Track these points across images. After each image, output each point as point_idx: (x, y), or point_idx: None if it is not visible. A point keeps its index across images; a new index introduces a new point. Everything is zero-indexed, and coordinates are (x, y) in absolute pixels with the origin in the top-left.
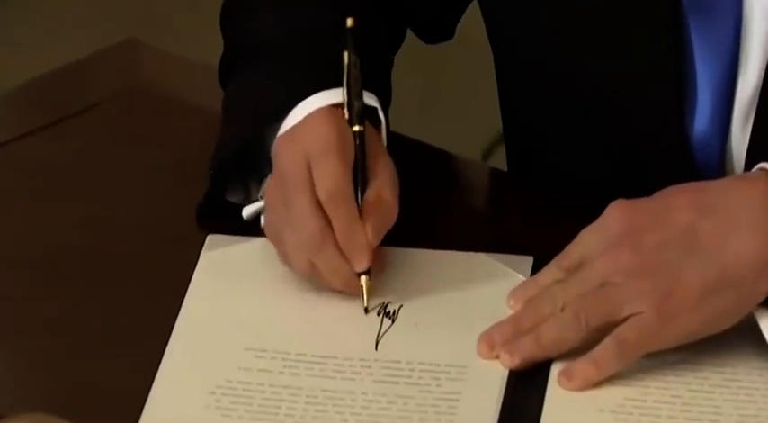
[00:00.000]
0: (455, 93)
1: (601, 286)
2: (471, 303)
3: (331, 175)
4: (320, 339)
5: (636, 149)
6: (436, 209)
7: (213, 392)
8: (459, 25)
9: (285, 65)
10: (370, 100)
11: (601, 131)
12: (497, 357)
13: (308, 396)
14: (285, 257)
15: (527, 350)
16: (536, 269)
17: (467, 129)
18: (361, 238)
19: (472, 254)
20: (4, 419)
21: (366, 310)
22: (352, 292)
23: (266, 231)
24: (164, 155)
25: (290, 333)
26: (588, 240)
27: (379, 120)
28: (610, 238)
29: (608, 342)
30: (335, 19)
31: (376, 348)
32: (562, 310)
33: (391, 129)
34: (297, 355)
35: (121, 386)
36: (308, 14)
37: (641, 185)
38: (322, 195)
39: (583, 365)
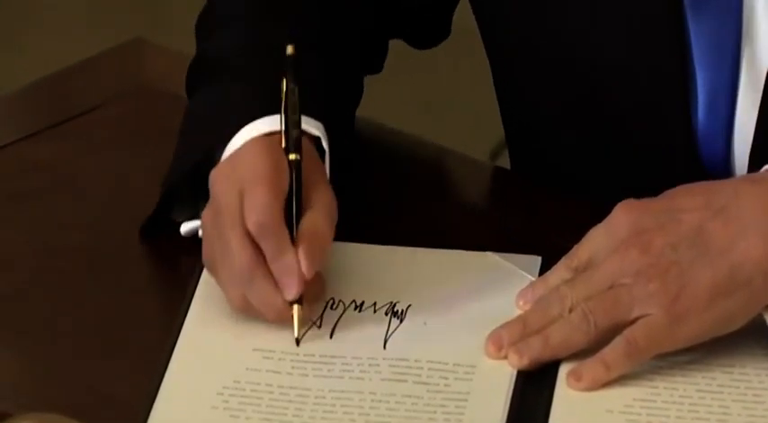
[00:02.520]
0: (462, 93)
1: (610, 287)
2: (480, 303)
3: (259, 207)
4: (328, 339)
5: (638, 146)
6: (444, 208)
7: (221, 393)
8: (466, 25)
9: (240, 84)
10: (314, 130)
11: (601, 128)
12: (505, 358)
13: (316, 396)
14: (221, 289)
15: (536, 351)
16: (545, 269)
17: (474, 129)
18: (292, 266)
19: (481, 253)
20: (11, 418)
21: (297, 342)
22: (285, 322)
23: (204, 262)
24: (169, 154)
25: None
26: (596, 240)
27: (324, 150)
28: (618, 239)
29: (617, 343)
30: (305, 39)
31: (384, 348)
32: (571, 310)
33: (399, 128)
34: (305, 355)
35: (126, 386)
36: (276, 33)
37: (645, 183)
38: (251, 228)
39: (592, 366)
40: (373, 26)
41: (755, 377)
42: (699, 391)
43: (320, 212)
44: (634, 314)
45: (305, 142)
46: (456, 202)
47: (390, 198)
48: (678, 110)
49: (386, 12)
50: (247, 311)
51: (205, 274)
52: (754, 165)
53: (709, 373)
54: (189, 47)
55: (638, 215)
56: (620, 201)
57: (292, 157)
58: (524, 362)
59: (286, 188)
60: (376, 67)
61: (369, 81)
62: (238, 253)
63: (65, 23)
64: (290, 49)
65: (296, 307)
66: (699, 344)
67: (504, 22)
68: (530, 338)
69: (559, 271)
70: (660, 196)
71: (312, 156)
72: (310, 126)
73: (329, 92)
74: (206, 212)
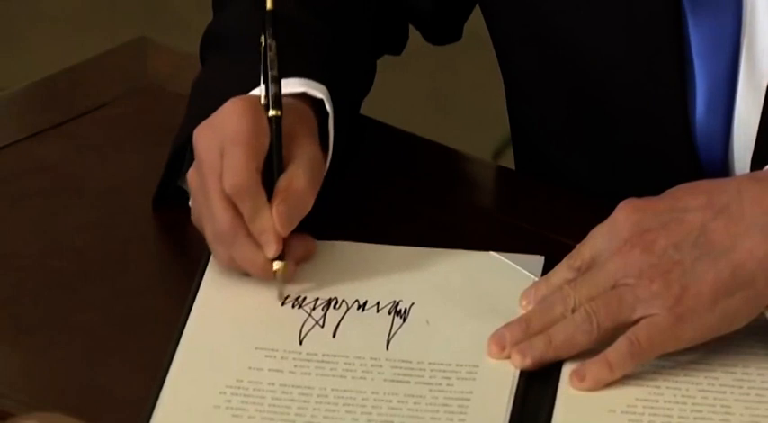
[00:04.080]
0: (465, 93)
1: (612, 288)
2: (483, 302)
3: (235, 168)
4: (331, 339)
5: (637, 143)
6: (447, 208)
7: (224, 392)
8: (472, 26)
9: (239, 56)
10: (316, 92)
11: (600, 125)
12: (508, 358)
13: (318, 396)
14: (209, 246)
15: (539, 351)
16: (548, 268)
17: (478, 129)
18: (268, 226)
19: (484, 253)
20: (13, 418)
21: (280, 297)
22: (269, 279)
23: (192, 219)
24: None
25: (300, 332)
26: (599, 240)
27: (328, 112)
28: (621, 239)
29: (621, 343)
30: (314, 11)
31: (387, 347)
32: (574, 311)
33: (402, 128)
34: (307, 354)
35: (129, 386)
36: (283, 5)
37: (644, 180)
38: (227, 190)
39: (595, 366)
40: (390, 7)
41: (758, 377)
42: (701, 390)
43: (300, 168)
44: (637, 314)
45: (292, 100)
46: (459, 202)
47: (393, 197)
48: (677, 107)
49: (399, 8)
50: (233, 268)
51: (207, 274)
52: (756, 163)
53: (711, 373)
54: (193, 46)
55: (641, 215)
56: (620, 199)
57: (271, 113)
58: (527, 362)
59: (265, 145)
60: (396, 48)
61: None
62: (219, 214)
63: (68, 23)
64: (269, 4)
65: (277, 263)
66: (701, 343)
67: (507, 17)
68: (533, 339)
69: (562, 271)
70: (662, 195)
71: (298, 112)
72: (313, 88)
73: (337, 59)
74: (191, 172)
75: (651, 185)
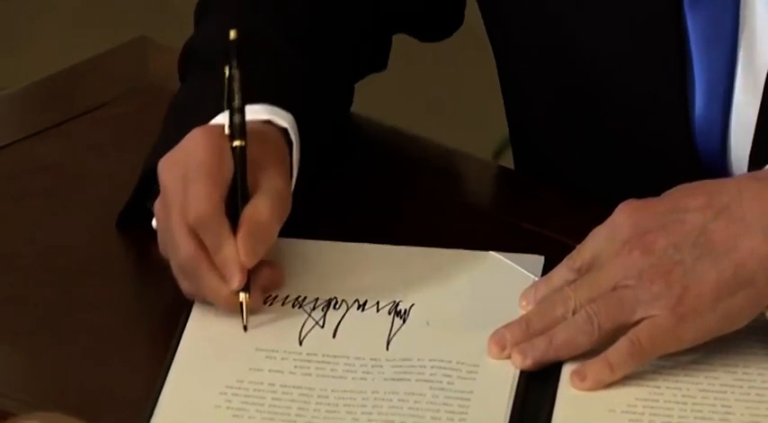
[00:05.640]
0: (465, 93)
1: (613, 289)
2: (482, 302)
3: (197, 199)
4: (331, 339)
5: (636, 138)
6: (447, 208)
7: (224, 393)
8: (472, 26)
9: (214, 75)
10: (281, 121)
11: (599, 121)
12: (508, 357)
13: (318, 396)
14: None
15: (540, 351)
16: (548, 269)
17: (477, 129)
18: (232, 257)
19: (483, 253)
20: (14, 418)
21: (245, 328)
22: (234, 311)
23: (159, 248)
24: None
25: (300, 333)
26: (599, 241)
27: (292, 141)
28: (621, 240)
29: (622, 344)
30: (289, 35)
31: (387, 348)
32: (574, 312)
33: (401, 127)
34: (307, 355)
35: (129, 386)
36: (257, 27)
37: (643, 177)
38: (191, 220)
39: (596, 366)
40: (372, 25)
41: (759, 376)
42: (702, 390)
43: (265, 198)
44: (638, 315)
45: (262, 126)
46: (459, 202)
47: (393, 197)
48: (677, 104)
49: (397, 3)
50: (199, 300)
51: None
52: (754, 157)
53: (712, 373)
54: None
55: (641, 216)
56: (619, 197)
57: (236, 143)
58: (528, 362)
59: (229, 175)
60: (379, 66)
61: (371, 80)
62: (183, 245)
63: (68, 22)
64: (232, 34)
65: (242, 295)
66: (701, 343)
67: (508, 17)
68: (534, 339)
69: (562, 271)
70: (662, 196)
71: (266, 140)
72: (278, 117)
73: (309, 87)
74: (157, 203)
75: (651, 184)
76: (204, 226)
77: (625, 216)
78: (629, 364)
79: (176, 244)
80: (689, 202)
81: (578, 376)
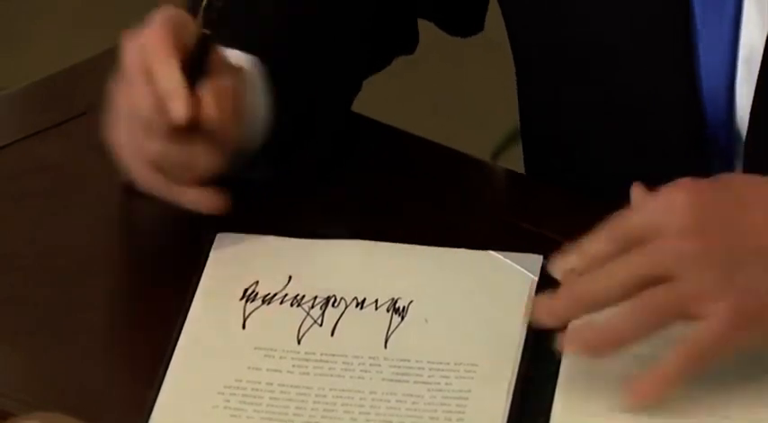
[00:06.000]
0: (465, 94)
1: (667, 277)
2: (481, 301)
3: (152, 38)
4: (329, 337)
5: (650, 127)
6: (447, 208)
7: (222, 392)
8: None
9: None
10: (245, 62)
11: (609, 97)
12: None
13: (316, 395)
14: (126, 166)
15: (586, 341)
16: (546, 269)
17: (476, 129)
18: (177, 81)
19: (482, 252)
20: (14, 418)
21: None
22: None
23: (109, 137)
24: None
25: (298, 331)
26: (652, 218)
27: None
28: (680, 224)
29: (679, 350)
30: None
31: (385, 346)
32: (624, 298)
33: (401, 127)
34: (306, 353)
35: (128, 386)
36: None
37: (653, 165)
38: (143, 46)
39: (652, 378)
40: (400, 10)
41: (762, 373)
42: (703, 389)
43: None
44: (697, 313)
45: (236, 62)
46: (457, 201)
47: (392, 197)
48: (686, 68)
49: (417, 8)
50: (164, 192)
51: (207, 274)
52: (753, 118)
53: (714, 370)
54: None
55: (702, 204)
56: (624, 188)
57: (204, 31)
58: (573, 349)
59: (186, 41)
60: (407, 49)
61: (371, 80)
62: (139, 88)
63: (68, 22)
64: None
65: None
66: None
67: (524, 11)
68: (581, 329)
69: (599, 241)
70: (718, 182)
71: (232, 68)
72: (248, 63)
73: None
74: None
75: (658, 169)
76: (155, 50)
77: (685, 198)
78: (686, 370)
79: (135, 98)
80: (748, 196)
81: (635, 392)
